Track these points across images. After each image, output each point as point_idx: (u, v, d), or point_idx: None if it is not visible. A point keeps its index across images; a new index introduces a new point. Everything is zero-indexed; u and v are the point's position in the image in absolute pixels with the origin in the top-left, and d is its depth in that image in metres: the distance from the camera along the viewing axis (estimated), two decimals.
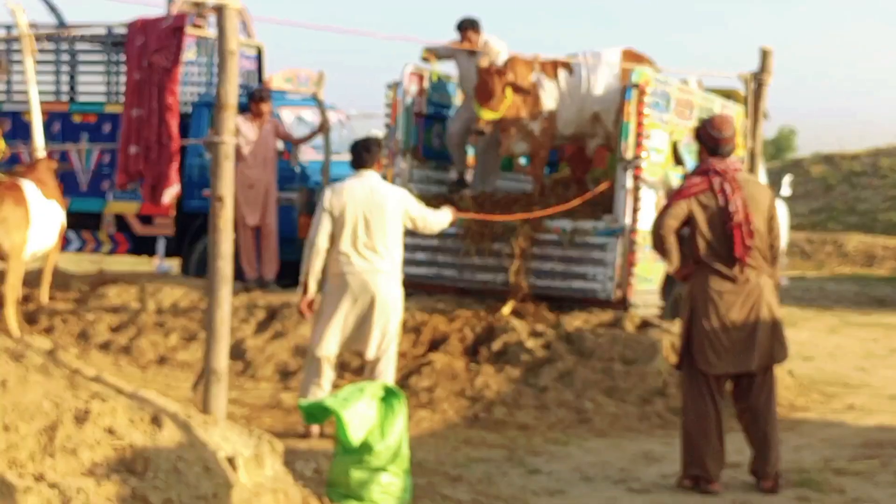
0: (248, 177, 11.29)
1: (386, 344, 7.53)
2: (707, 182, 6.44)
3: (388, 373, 7.56)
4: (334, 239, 7.41)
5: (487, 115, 10.31)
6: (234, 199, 11.29)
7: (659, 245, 6.52)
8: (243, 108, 11.70)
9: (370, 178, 7.61)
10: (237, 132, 11.16)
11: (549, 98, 10.69)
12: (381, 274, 7.44)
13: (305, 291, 7.46)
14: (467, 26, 10.78)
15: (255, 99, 11.52)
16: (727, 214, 6.35)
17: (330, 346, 7.46)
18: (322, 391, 7.44)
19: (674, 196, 6.56)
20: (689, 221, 6.44)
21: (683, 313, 6.63)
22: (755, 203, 6.42)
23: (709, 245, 6.42)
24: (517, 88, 10.48)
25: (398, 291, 7.59)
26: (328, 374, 7.56)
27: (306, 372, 7.69)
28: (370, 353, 7.49)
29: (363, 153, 7.70)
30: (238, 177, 11.15)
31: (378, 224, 7.40)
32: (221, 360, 5.30)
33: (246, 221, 11.31)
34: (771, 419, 6.51)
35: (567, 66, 10.67)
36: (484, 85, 10.32)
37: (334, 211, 7.42)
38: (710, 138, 6.55)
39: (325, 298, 7.54)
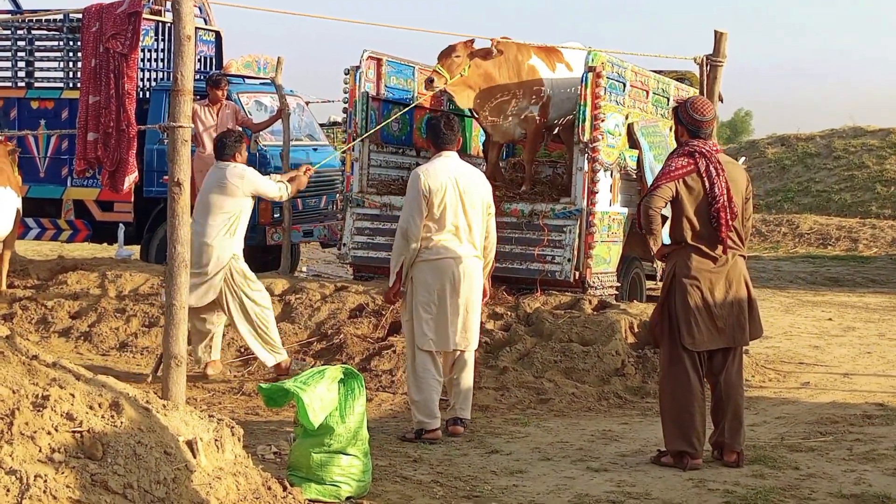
0: (207, 163, 11.27)
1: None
2: (693, 164, 6.48)
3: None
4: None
5: (440, 70, 10.22)
6: (193, 184, 11.38)
7: (647, 224, 6.55)
8: (202, 94, 11.71)
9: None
10: (195, 118, 11.19)
11: (547, 84, 10.82)
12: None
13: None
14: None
15: (211, 84, 11.50)
16: (712, 197, 6.40)
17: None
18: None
19: (661, 177, 6.57)
20: (673, 202, 6.50)
21: (663, 292, 6.67)
22: (735, 185, 6.48)
23: (693, 226, 6.48)
24: (485, 54, 10.45)
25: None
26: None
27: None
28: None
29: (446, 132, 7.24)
30: (197, 163, 11.20)
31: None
32: (180, 344, 5.33)
33: None
34: (742, 393, 6.63)
35: (559, 53, 10.76)
36: (449, 48, 10.36)
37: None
38: (692, 120, 6.57)
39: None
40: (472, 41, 10.40)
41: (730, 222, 6.42)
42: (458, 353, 7.21)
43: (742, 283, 6.54)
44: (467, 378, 7.28)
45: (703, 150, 6.49)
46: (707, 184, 6.42)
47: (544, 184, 11.74)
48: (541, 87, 10.80)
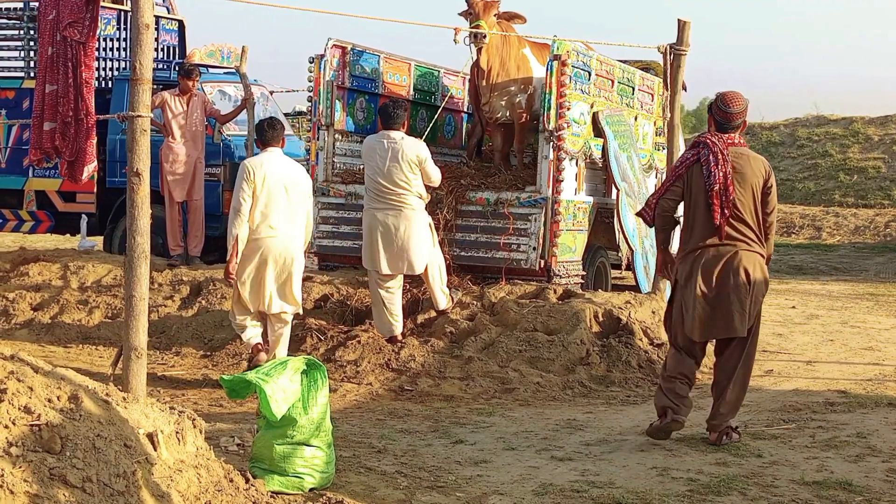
0: (177, 152, 11.21)
1: None
2: (696, 155, 6.68)
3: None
4: None
5: (482, 24, 10.51)
6: (162, 174, 11.29)
7: (658, 229, 6.94)
8: (168, 84, 11.63)
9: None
10: (165, 107, 11.11)
11: (536, 74, 10.90)
12: None
13: None
14: None
15: (183, 74, 11.40)
16: (708, 184, 6.57)
17: None
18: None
19: (671, 173, 6.87)
20: (684, 195, 6.77)
21: (672, 288, 7.02)
22: (740, 176, 6.60)
23: (694, 215, 6.70)
24: (510, 17, 10.90)
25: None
26: None
27: None
28: None
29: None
30: (166, 152, 11.12)
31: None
32: (140, 336, 5.28)
33: (173, 197, 11.24)
34: (734, 379, 6.73)
35: (548, 47, 10.79)
36: (478, 5, 10.58)
37: None
38: (719, 111, 6.77)
39: None
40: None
41: (725, 210, 6.55)
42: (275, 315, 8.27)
43: (742, 276, 6.59)
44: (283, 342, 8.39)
45: (708, 141, 6.67)
46: (705, 171, 6.59)
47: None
48: (531, 78, 10.88)
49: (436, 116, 11.65)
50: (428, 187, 9.16)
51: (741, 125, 6.80)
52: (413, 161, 8.89)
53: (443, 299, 9.49)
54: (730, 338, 6.72)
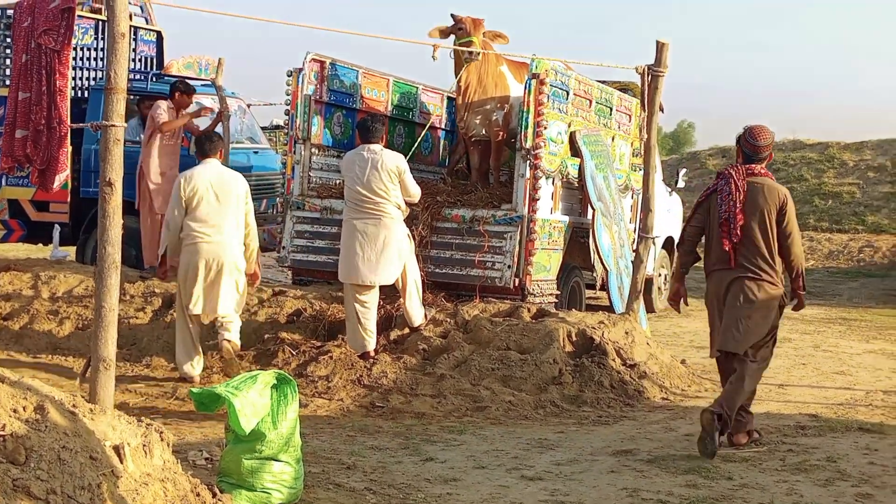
0: (161, 165, 11.15)
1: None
2: (714, 185, 7.30)
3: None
4: None
5: (474, 39, 10.65)
6: (142, 186, 11.22)
7: (677, 259, 7.73)
8: (151, 94, 11.60)
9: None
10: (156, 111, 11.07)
11: (514, 92, 10.97)
12: None
13: None
14: None
15: (183, 90, 11.28)
16: (719, 212, 7.16)
17: None
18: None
19: (695, 204, 7.47)
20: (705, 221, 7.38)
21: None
22: (752, 205, 7.07)
23: (712, 241, 7.29)
24: (494, 37, 10.95)
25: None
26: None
27: None
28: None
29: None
30: (151, 165, 11.05)
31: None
32: (110, 347, 5.24)
33: (154, 209, 11.15)
34: (737, 389, 7.13)
35: (526, 65, 10.81)
36: (468, 23, 10.73)
37: None
38: (748, 144, 7.26)
39: None
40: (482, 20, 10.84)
41: (733, 238, 7.07)
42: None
43: (740, 300, 7.09)
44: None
45: (727, 173, 7.26)
46: (718, 201, 7.17)
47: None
48: (507, 96, 10.92)
49: (422, 133, 11.69)
50: (407, 203, 9.17)
51: (767, 157, 7.26)
52: (392, 171, 8.95)
53: (418, 316, 9.48)
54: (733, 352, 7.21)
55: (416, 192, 9.22)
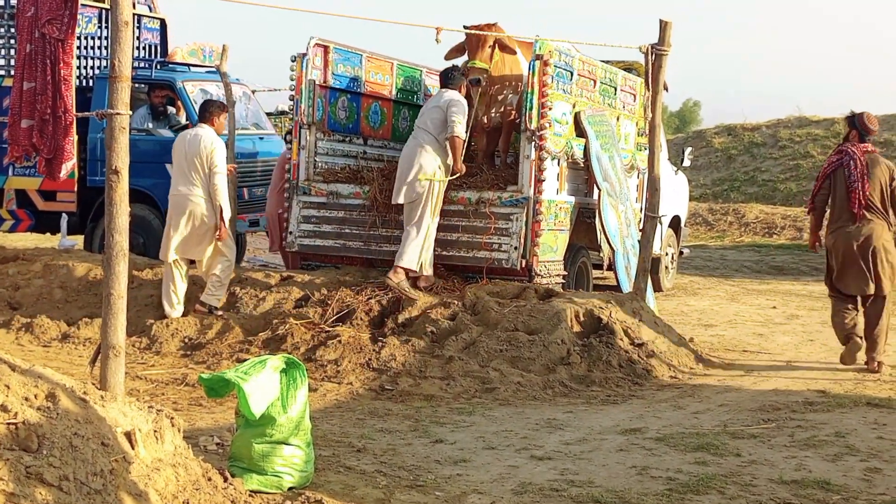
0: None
1: None
2: (839, 160, 9.55)
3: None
4: None
5: (478, 63, 10.71)
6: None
7: (813, 219, 10.01)
8: (155, 82, 11.59)
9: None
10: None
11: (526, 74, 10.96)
12: None
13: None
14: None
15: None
16: (848, 183, 9.40)
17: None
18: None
19: (820, 174, 9.76)
20: (830, 188, 9.58)
21: (826, 256, 9.77)
22: (871, 176, 9.40)
23: (838, 205, 9.53)
24: (503, 47, 10.88)
25: None
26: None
27: None
28: None
29: None
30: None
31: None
32: (119, 334, 5.26)
33: None
34: (877, 324, 9.49)
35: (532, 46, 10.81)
36: (472, 40, 10.73)
37: None
38: (866, 128, 9.62)
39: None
40: (493, 25, 10.88)
41: (861, 201, 9.33)
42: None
43: (877, 246, 9.33)
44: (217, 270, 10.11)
45: (848, 150, 9.52)
46: (846, 174, 9.43)
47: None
48: (520, 81, 10.90)
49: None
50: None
51: (873, 139, 9.68)
52: (442, 106, 9.94)
53: (413, 258, 9.88)
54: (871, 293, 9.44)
55: (457, 124, 9.87)
